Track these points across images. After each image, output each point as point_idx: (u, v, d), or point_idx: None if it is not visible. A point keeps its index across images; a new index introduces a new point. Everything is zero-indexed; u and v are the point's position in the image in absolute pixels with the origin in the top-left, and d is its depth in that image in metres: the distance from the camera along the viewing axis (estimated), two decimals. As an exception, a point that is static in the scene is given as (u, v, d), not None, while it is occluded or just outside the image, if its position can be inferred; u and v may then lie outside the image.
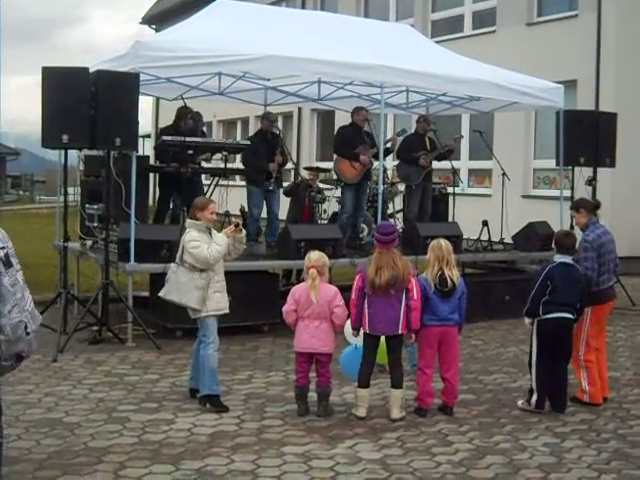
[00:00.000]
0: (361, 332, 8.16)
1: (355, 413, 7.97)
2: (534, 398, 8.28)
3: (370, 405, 8.07)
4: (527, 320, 8.50)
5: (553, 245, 8.62)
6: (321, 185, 15.49)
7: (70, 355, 10.29)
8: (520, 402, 8.45)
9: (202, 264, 8.12)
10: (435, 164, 15.30)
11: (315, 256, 8.19)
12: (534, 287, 8.28)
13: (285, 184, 15.53)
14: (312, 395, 8.12)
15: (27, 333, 4.01)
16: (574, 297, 8.28)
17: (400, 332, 7.97)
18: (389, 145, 14.42)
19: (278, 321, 8.34)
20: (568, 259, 8.38)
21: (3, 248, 4.01)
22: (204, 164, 13.95)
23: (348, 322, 8.29)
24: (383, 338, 8.10)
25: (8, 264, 4.00)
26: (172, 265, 8.46)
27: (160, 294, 8.50)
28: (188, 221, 8.41)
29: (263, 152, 13.82)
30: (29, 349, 4.07)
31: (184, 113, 13.72)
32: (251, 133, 29.27)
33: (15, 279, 4.02)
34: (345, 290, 8.29)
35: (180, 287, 8.22)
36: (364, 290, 7.96)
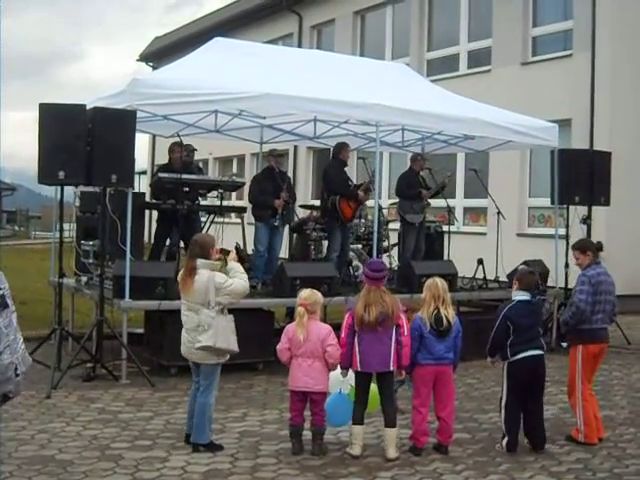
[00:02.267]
0: (350, 373, 8.10)
1: (350, 452, 7.91)
2: (505, 441, 8.24)
3: (364, 444, 8.02)
4: (490, 359, 8.53)
5: (515, 281, 8.59)
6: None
7: (64, 392, 10.25)
8: (497, 445, 8.37)
9: (241, 296, 8.09)
10: (431, 202, 15.35)
11: (305, 294, 8.17)
12: (493, 328, 8.29)
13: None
14: (307, 433, 8.08)
15: (17, 375, 3.98)
16: (538, 332, 8.35)
17: (391, 369, 7.93)
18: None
19: (273, 359, 8.32)
20: (527, 296, 8.38)
21: (0, 289, 3.98)
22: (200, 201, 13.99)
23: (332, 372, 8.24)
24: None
25: (4, 305, 3.97)
26: (206, 311, 7.83)
27: (209, 343, 7.82)
28: (204, 262, 7.94)
29: (269, 189, 13.88)
30: (17, 390, 4.04)
31: (172, 146, 13.82)
32: (247, 171, 29.49)
33: (9, 320, 3.99)
34: (340, 328, 8.26)
35: (224, 333, 7.89)
36: (354, 328, 7.91)
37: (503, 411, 8.31)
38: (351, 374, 8.09)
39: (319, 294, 8.24)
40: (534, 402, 8.32)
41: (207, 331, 7.83)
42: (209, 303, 7.84)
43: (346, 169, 14.60)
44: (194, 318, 7.90)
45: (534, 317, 8.39)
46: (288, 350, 8.04)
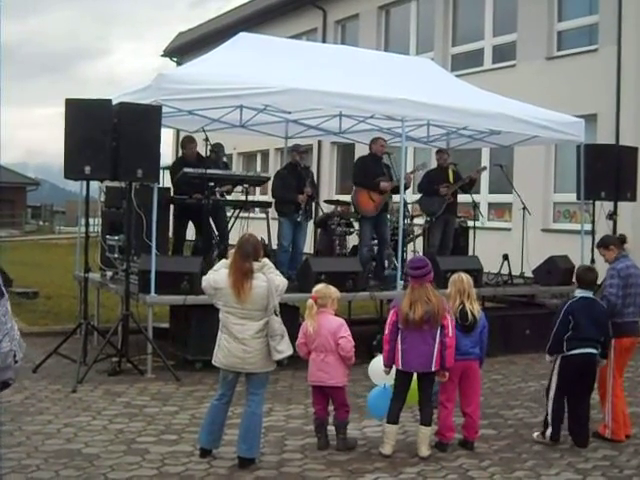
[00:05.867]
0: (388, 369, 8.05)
1: (381, 450, 7.85)
2: (549, 431, 8.28)
3: (390, 439, 8.01)
4: (548, 357, 8.48)
5: (574, 280, 8.56)
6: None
7: (90, 386, 10.30)
8: (535, 434, 8.44)
9: (284, 290, 7.64)
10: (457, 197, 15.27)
11: (317, 287, 8.18)
12: (555, 324, 8.26)
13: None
14: (332, 428, 8.07)
15: (15, 361, 3.94)
16: (597, 332, 8.25)
17: (433, 369, 7.86)
18: (405, 181, 13.92)
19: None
20: (589, 294, 8.35)
21: None
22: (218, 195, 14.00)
23: (373, 361, 8.22)
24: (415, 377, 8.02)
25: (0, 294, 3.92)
26: (276, 317, 7.39)
27: (290, 351, 7.52)
28: (258, 264, 7.43)
29: (292, 184, 13.87)
30: (15, 377, 4.01)
31: (185, 141, 13.85)
32: (271, 166, 29.51)
33: (5, 309, 3.94)
34: (365, 324, 8.23)
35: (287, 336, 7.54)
36: (398, 325, 7.86)
37: (550, 402, 8.33)
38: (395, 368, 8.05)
39: (333, 289, 8.18)
40: (582, 400, 8.34)
41: (284, 338, 7.42)
42: (274, 308, 7.39)
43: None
44: (252, 326, 7.36)
45: (595, 316, 8.28)
46: (305, 345, 8.06)
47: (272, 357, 7.40)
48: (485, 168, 16.79)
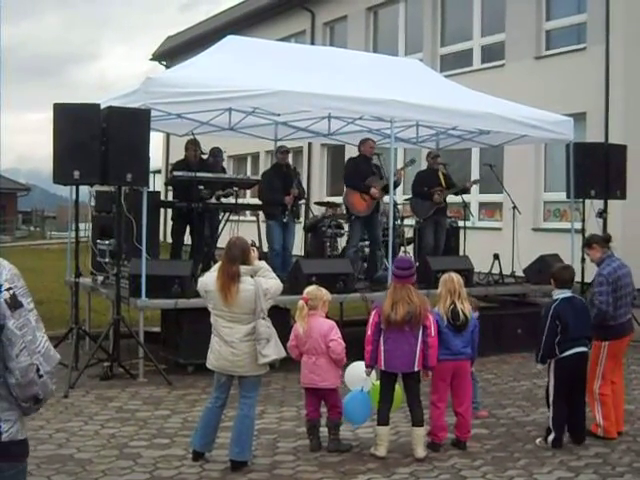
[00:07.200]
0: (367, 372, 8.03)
1: (375, 453, 7.82)
2: (551, 437, 8.20)
3: (382, 440, 8.00)
4: (540, 366, 8.44)
5: (551, 280, 8.51)
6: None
7: (81, 391, 10.27)
8: (538, 440, 8.35)
9: (277, 293, 7.63)
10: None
11: (308, 289, 8.16)
12: (543, 331, 8.21)
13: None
14: (325, 430, 8.07)
15: (40, 375, 3.84)
16: (585, 329, 8.26)
17: (416, 369, 7.86)
18: (396, 178, 13.99)
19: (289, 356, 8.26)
20: (568, 293, 8.34)
21: (10, 289, 3.82)
22: (214, 199, 13.98)
23: (349, 367, 8.18)
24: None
25: (15, 305, 3.80)
26: (263, 322, 7.32)
27: (275, 356, 7.42)
28: (247, 267, 7.41)
29: (278, 185, 13.86)
30: (45, 391, 3.89)
31: (188, 143, 13.83)
32: (261, 168, 29.48)
33: (26, 320, 3.82)
34: (356, 325, 8.22)
35: (278, 340, 7.47)
36: (380, 326, 7.84)
37: (552, 408, 8.27)
38: (373, 373, 8.05)
39: (324, 291, 8.16)
40: (578, 398, 8.31)
41: (269, 342, 7.36)
42: (262, 311, 7.35)
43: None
44: (240, 329, 7.34)
45: (580, 314, 8.28)
46: (296, 347, 8.04)
47: (258, 361, 7.37)
48: (480, 180, 16.76)
